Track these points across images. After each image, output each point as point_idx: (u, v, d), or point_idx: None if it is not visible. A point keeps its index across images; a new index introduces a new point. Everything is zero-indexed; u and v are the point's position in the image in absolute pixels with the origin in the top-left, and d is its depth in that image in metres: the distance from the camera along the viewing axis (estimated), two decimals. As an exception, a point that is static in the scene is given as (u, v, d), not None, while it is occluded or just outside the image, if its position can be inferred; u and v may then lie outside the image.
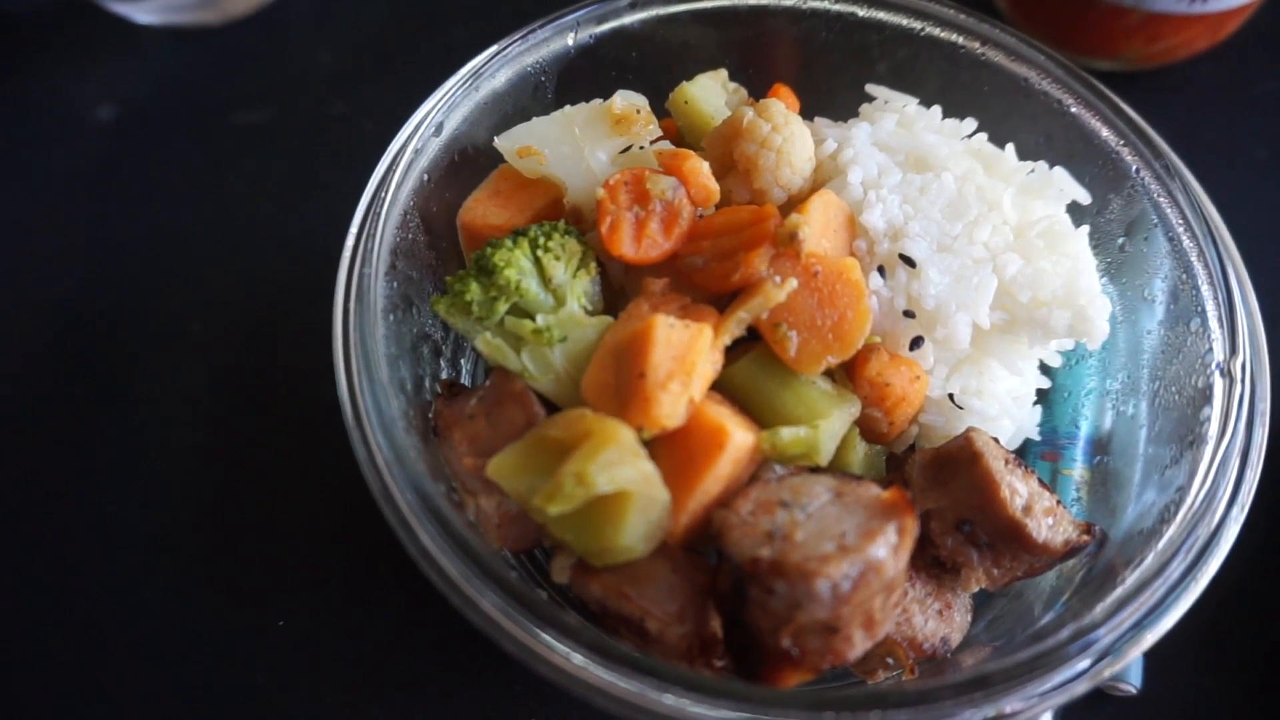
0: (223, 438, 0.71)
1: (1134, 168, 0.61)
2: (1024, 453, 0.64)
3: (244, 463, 0.70)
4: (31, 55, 0.93)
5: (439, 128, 0.60)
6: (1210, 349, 0.54)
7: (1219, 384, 0.53)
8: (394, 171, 0.57)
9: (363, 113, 0.90)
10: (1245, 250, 0.66)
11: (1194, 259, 0.57)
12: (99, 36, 0.93)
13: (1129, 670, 0.57)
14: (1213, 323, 0.55)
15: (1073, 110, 0.64)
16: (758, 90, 0.69)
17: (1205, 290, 0.56)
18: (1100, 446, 0.64)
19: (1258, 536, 0.57)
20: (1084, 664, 0.45)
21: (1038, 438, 0.64)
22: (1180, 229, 0.59)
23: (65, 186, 0.85)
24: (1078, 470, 0.64)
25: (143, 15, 0.94)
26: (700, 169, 0.58)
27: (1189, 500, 0.51)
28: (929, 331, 0.57)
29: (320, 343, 0.52)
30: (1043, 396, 0.65)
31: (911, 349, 0.57)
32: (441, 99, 0.61)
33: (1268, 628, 0.64)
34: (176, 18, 0.94)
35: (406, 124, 0.60)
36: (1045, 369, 0.65)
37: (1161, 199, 0.60)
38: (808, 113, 0.68)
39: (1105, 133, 0.62)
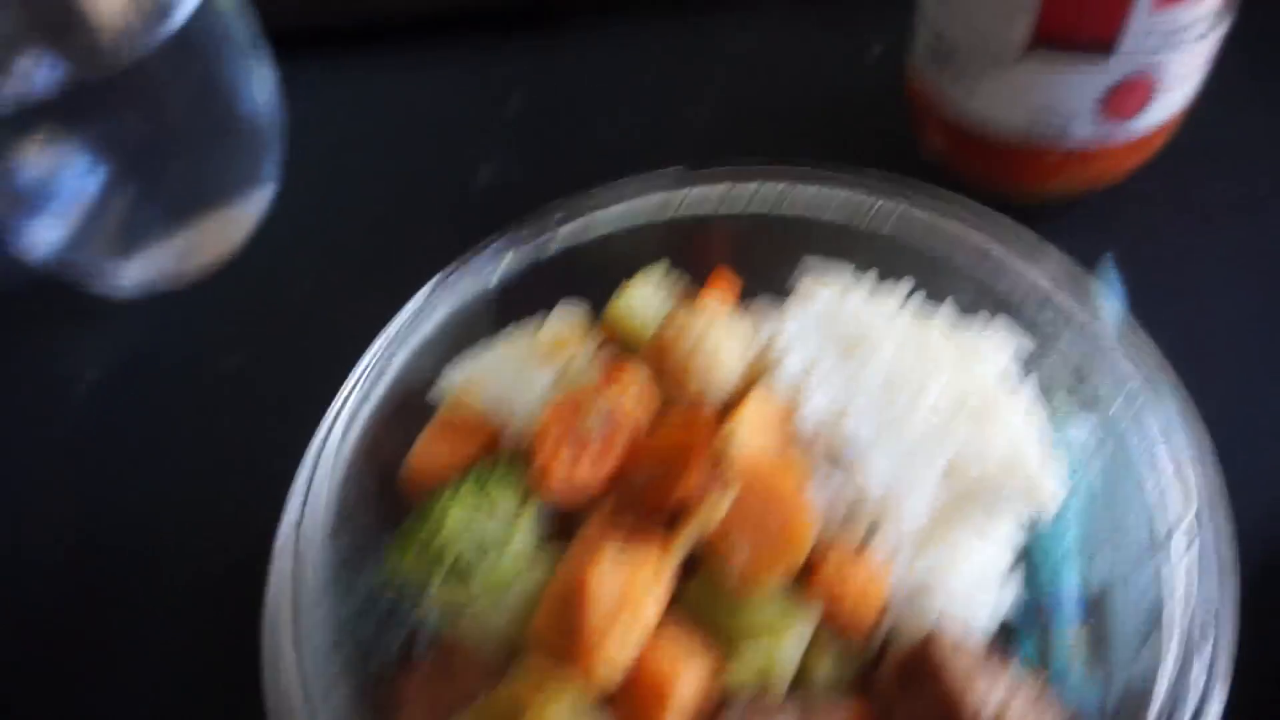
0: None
1: (1068, 314, 0.61)
2: (1008, 626, 0.62)
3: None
4: (13, 332, 0.97)
5: (377, 378, 0.61)
6: (1164, 502, 0.53)
7: (1177, 539, 0.51)
8: (333, 431, 0.58)
9: (342, 342, 0.93)
10: (1209, 369, 0.65)
11: (1138, 406, 0.56)
12: (80, 307, 0.98)
13: None
14: (1163, 472, 0.54)
15: (1003, 259, 0.64)
16: (702, 276, 0.71)
17: (1153, 435, 0.55)
18: (1092, 605, 0.61)
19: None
20: None
21: (1021, 604, 0.62)
22: (1122, 372, 0.58)
23: (50, 456, 0.88)
24: (1071, 631, 0.61)
25: (124, 287, 0.98)
26: (636, 382, 0.59)
27: (1167, 668, 0.48)
28: (880, 522, 0.56)
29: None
30: (1025, 557, 0.63)
31: (865, 543, 0.56)
32: (380, 346, 0.63)
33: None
34: (157, 280, 0.99)
35: (348, 379, 0.62)
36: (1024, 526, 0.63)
37: (1099, 343, 0.59)
38: (752, 290, 0.70)
39: (1038, 279, 0.63)
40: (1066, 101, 0.80)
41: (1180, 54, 0.76)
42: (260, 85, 0.98)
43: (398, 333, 0.65)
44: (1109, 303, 0.81)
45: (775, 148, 1.03)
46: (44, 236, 0.91)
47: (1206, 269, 0.86)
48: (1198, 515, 0.51)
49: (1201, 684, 0.47)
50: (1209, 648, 0.47)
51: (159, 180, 0.95)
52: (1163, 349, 0.79)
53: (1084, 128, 0.81)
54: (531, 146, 1.08)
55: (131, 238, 0.96)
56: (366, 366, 0.63)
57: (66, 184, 0.89)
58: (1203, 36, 0.76)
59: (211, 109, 0.95)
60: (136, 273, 0.97)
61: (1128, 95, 0.79)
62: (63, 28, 0.87)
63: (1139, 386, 0.58)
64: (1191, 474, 0.53)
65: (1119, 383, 0.59)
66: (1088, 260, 0.85)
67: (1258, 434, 0.74)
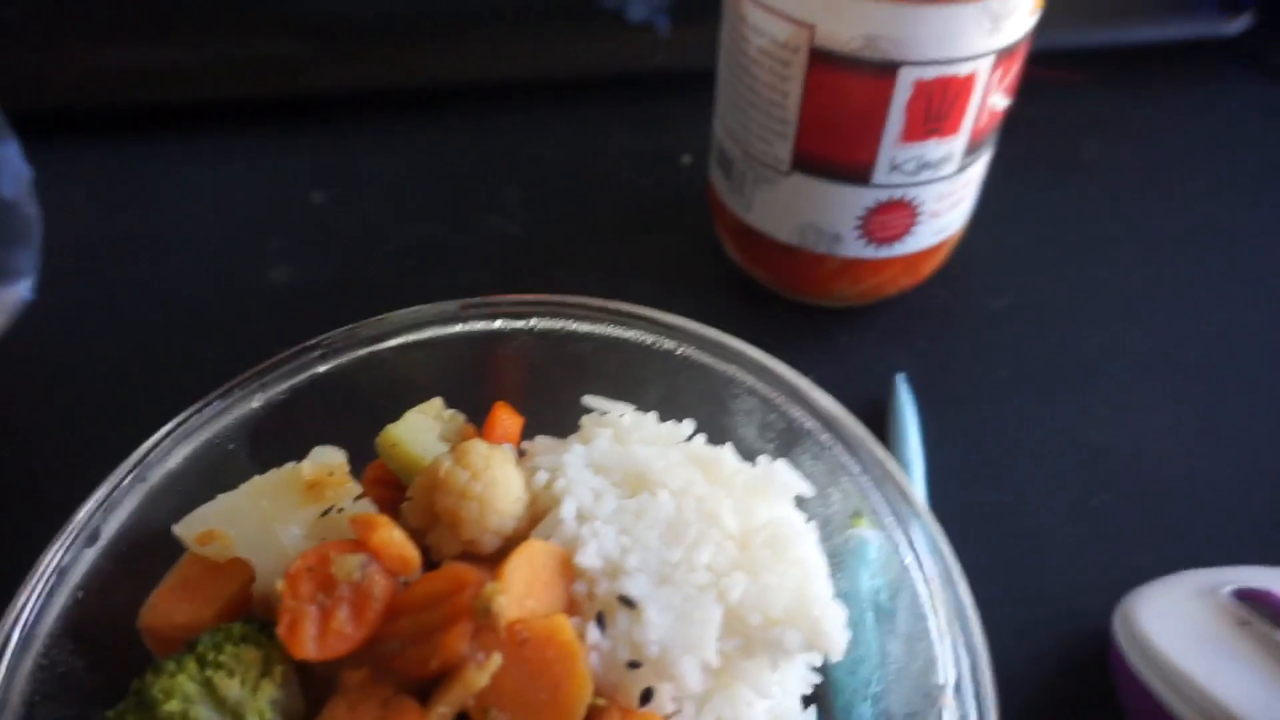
0: None
1: (841, 460, 0.60)
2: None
3: None
4: None
5: (94, 535, 0.54)
6: (934, 660, 0.52)
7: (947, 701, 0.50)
8: (29, 604, 0.50)
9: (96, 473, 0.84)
10: (994, 475, 0.65)
11: (904, 558, 0.56)
12: None
13: None
14: (930, 627, 0.53)
15: (778, 401, 0.63)
16: (483, 409, 0.67)
17: (921, 589, 0.54)
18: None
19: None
20: None
21: (815, 743, 0.60)
22: (886, 521, 0.58)
23: None
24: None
25: None
26: (391, 539, 0.54)
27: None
28: (658, 679, 0.53)
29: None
30: (819, 695, 0.62)
31: (644, 703, 0.53)
32: (100, 500, 0.55)
33: None
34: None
35: (64, 528, 0.54)
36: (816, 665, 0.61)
37: (870, 492, 0.59)
38: (536, 428, 0.66)
39: (809, 423, 0.62)
40: (830, 221, 0.82)
41: (937, 186, 0.80)
42: (7, 173, 0.89)
43: (135, 469, 0.58)
44: (902, 419, 0.82)
45: (584, 253, 1.03)
46: None
47: (988, 377, 0.90)
48: (965, 678, 0.50)
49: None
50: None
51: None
52: (952, 458, 0.81)
53: (851, 246, 0.84)
54: (323, 248, 1.02)
55: None
56: (92, 510, 0.55)
57: None
58: (959, 170, 0.80)
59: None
60: None
61: (888, 220, 0.81)
62: None
63: (917, 516, 0.58)
64: (952, 639, 0.52)
65: (904, 514, 0.58)
66: (882, 372, 0.88)
67: (1040, 544, 0.77)
